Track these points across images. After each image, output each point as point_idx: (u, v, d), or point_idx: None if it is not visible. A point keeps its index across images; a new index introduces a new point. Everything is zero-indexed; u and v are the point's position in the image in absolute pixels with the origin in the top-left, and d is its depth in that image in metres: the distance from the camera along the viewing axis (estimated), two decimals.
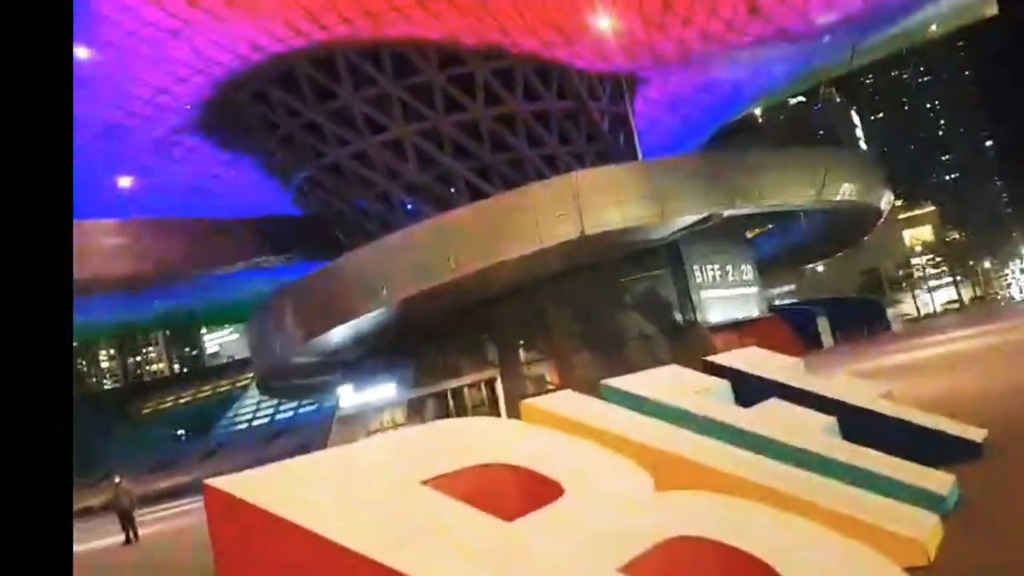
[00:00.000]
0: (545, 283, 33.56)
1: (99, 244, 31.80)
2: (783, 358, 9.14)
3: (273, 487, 3.43)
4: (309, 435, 44.03)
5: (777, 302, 54.33)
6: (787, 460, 5.68)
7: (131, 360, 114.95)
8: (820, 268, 61.62)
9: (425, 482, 3.77)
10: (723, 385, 7.56)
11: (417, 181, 33.96)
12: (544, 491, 4.21)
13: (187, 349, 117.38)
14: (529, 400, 5.86)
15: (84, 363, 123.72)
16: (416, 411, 34.77)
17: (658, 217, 31.64)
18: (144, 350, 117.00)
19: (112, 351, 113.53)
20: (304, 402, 48.77)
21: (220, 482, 3.30)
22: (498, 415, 32.88)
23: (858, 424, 7.09)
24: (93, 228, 34.03)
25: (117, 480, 20.77)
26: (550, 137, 34.53)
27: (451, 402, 34.21)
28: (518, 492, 4.31)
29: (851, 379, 10.23)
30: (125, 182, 38.46)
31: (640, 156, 36.95)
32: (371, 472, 3.83)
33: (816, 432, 6.54)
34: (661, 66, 34.90)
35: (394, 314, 32.55)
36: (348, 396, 35.42)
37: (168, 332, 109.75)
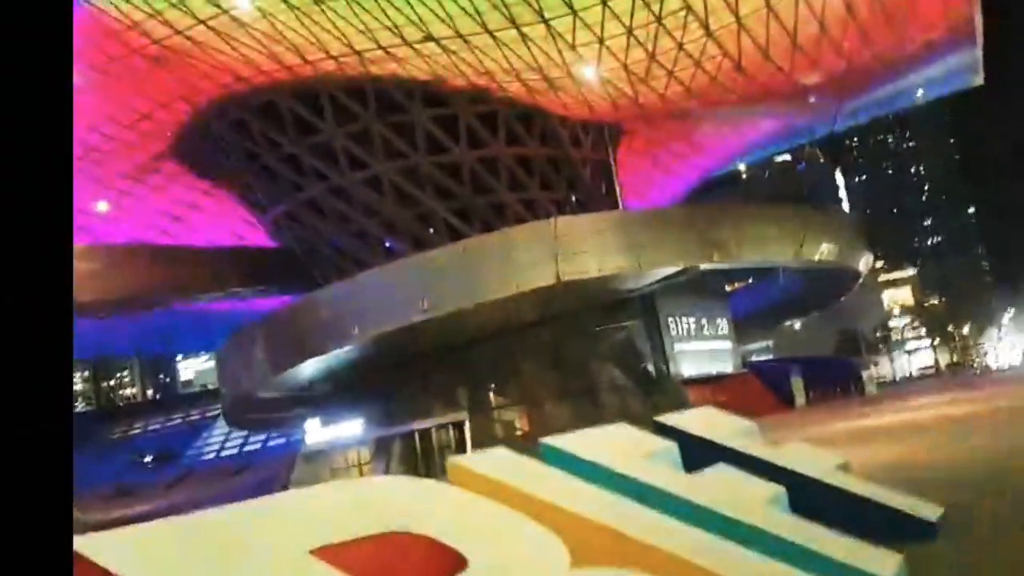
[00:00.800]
0: (519, 329, 33.36)
1: (78, 269, 31.23)
2: (738, 421, 8.85)
3: (140, 553, 3.15)
4: (276, 468, 43.18)
5: (753, 358, 54.24)
6: (727, 533, 5.38)
7: (104, 384, 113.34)
8: (797, 326, 61.72)
9: (314, 551, 3.45)
10: (671, 448, 7.25)
11: (395, 219, 33.80)
12: (446, 564, 3.90)
13: (161, 376, 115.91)
14: (456, 458, 5.53)
15: None
16: (382, 450, 34.20)
17: (635, 267, 31.54)
18: (118, 374, 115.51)
19: (87, 373, 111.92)
20: (273, 435, 47.96)
21: (82, 543, 3.00)
22: None
23: (808, 496, 6.79)
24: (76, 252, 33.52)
25: None
26: (531, 182, 34.53)
27: (418, 443, 33.69)
28: (418, 564, 4.00)
29: (805, 447, 9.89)
30: (102, 206, 38.12)
31: (621, 205, 36.99)
32: (255, 537, 3.50)
33: (760, 503, 6.24)
34: (645, 118, 35.11)
35: (365, 351, 32.20)
36: (314, 432, 34.84)
37: (142, 357, 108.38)
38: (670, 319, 37.44)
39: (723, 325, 41.51)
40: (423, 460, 33.17)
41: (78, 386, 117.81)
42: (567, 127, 34.75)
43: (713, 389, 37.32)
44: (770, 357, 58.26)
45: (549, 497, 5.06)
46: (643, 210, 37.63)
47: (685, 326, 38.92)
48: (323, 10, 27.71)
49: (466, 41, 28.91)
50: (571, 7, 27.26)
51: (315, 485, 4.24)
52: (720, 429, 8.09)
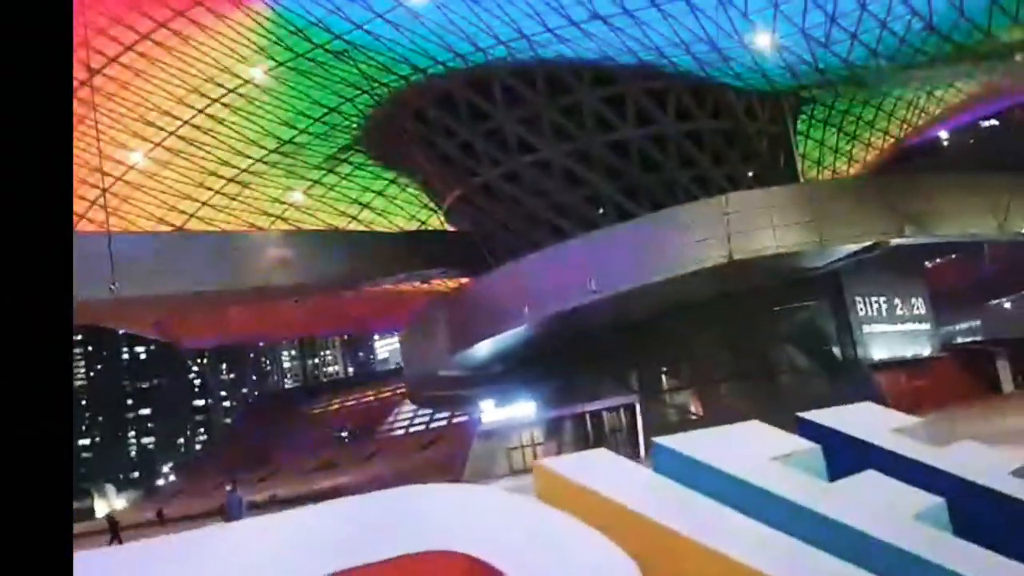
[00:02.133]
0: (692, 308, 32.60)
1: (265, 255, 33.85)
2: (900, 416, 7.69)
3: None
4: (459, 445, 44.88)
5: (957, 340, 50.19)
6: (868, 558, 4.19)
7: (310, 362, 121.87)
8: (1007, 305, 56.37)
9: None
10: (813, 450, 5.99)
11: (565, 201, 33.99)
12: None
13: (360, 354, 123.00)
14: (542, 461, 4.59)
15: (268, 363, 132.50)
16: (554, 431, 34.72)
17: (816, 244, 30.01)
18: (322, 353, 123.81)
19: (294, 352, 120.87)
20: (457, 413, 49.83)
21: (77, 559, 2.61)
22: (636, 442, 32.32)
23: (974, 509, 5.31)
24: (261, 239, 36.28)
25: (229, 488, 21.54)
26: (702, 158, 33.63)
27: (589, 425, 33.90)
28: None
29: (977, 447, 8.13)
30: (297, 196, 40.96)
31: (801, 179, 35.25)
32: (269, 558, 2.95)
33: (907, 518, 4.85)
34: (827, 85, 33.22)
35: (536, 333, 32.72)
36: (490, 411, 35.85)
37: (345, 337, 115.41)
38: (858, 298, 35.20)
39: (919, 305, 38.58)
40: (595, 442, 33.33)
41: (287, 364, 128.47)
42: (741, 99, 33.50)
43: (908, 374, 34.95)
44: (977, 338, 53.65)
45: (646, 511, 3.73)
46: (825, 181, 35.62)
47: (875, 306, 36.47)
48: None
49: (633, 16, 28.48)
50: None
51: (345, 498, 3.53)
52: (875, 427, 6.66)
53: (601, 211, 34.33)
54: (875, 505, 4.58)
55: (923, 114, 42.21)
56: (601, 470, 4.19)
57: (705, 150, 33.79)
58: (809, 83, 32.93)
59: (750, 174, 34.85)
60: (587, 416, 34.36)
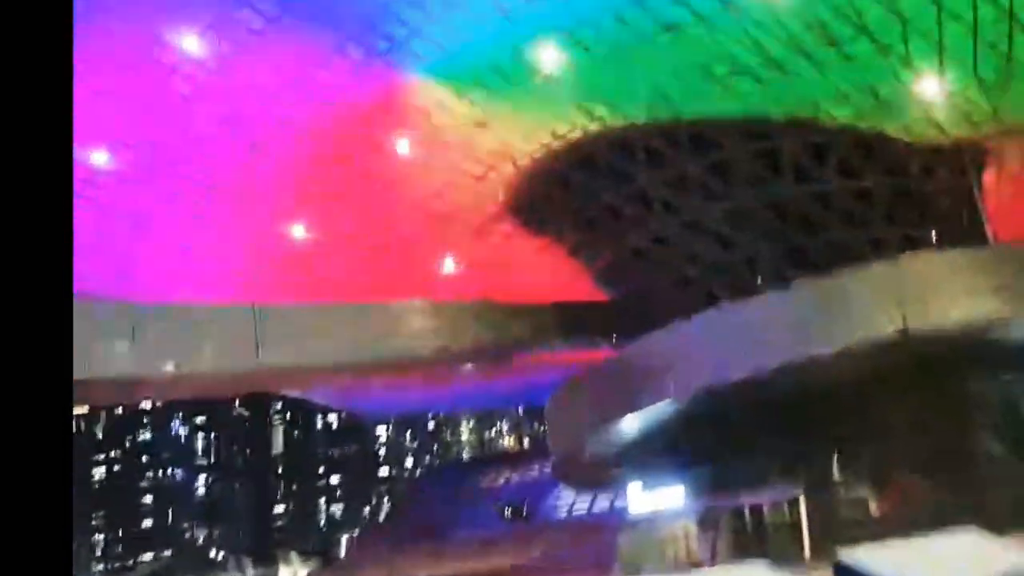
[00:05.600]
0: (867, 384, 29.12)
1: (413, 324, 33.76)
2: None
3: None
4: (614, 532, 42.42)
5: None
6: None
7: (487, 433, 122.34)
8: None
9: None
10: None
11: (718, 264, 31.73)
12: None
13: (536, 425, 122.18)
14: None
15: (448, 432, 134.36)
16: (709, 522, 31.71)
17: (1008, 313, 26.08)
18: (498, 423, 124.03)
19: (471, 423, 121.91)
20: (609, 496, 47.34)
21: None
22: (800, 541, 28.94)
23: None
24: (402, 309, 36.28)
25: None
26: (873, 216, 30.42)
27: (748, 518, 30.70)
28: None
29: None
30: (449, 265, 40.96)
31: (990, 239, 31.13)
32: None
33: None
34: (1012, 133, 29.32)
35: (686, 408, 30.31)
36: (636, 497, 33.37)
37: (520, 408, 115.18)
38: None
39: None
40: (755, 538, 30.14)
41: (464, 434, 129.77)
42: (914, 152, 30.18)
43: None
44: None
45: None
46: (1020, 243, 31.29)
47: None
48: (627, 57, 27.09)
49: (779, 68, 26.39)
50: (899, 15, 23.60)
51: None
52: None
53: (758, 276, 31.74)
54: None
55: None
56: None
57: (875, 209, 30.61)
58: (990, 132, 29.27)
59: (930, 234, 31.18)
60: (745, 508, 31.20)
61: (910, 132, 29.17)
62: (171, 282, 38.03)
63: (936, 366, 28.41)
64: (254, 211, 34.46)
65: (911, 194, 30.83)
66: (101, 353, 26.81)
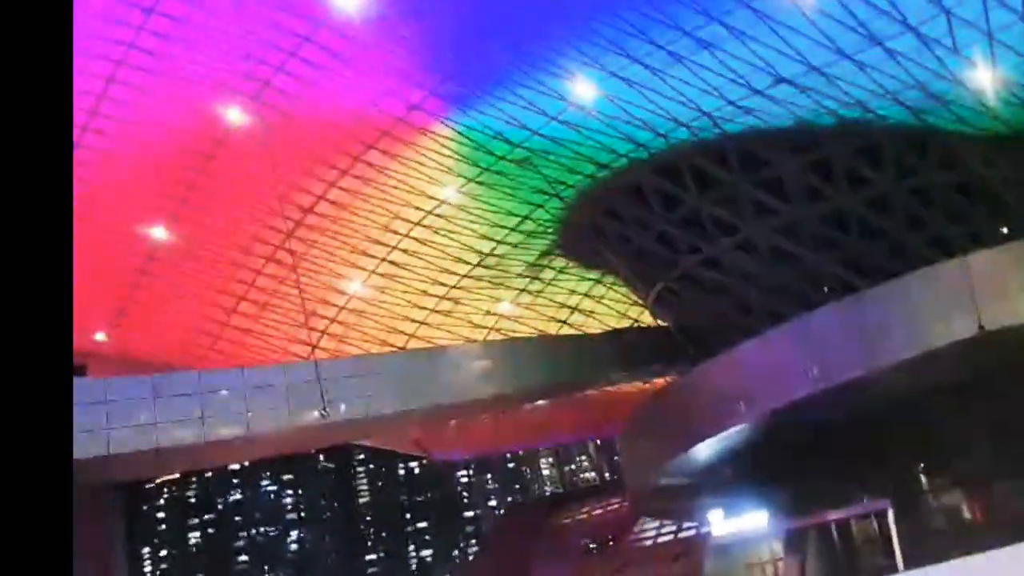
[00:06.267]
0: (946, 392, 27.79)
1: (466, 368, 33.63)
2: None
3: None
4: (701, 558, 41.26)
5: None
6: None
7: (567, 468, 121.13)
8: None
9: None
10: None
11: (777, 282, 30.81)
12: None
13: (616, 458, 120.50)
14: None
15: (527, 471, 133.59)
16: (795, 544, 30.52)
17: None
18: (578, 459, 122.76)
19: (551, 459, 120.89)
20: (693, 524, 46.16)
21: None
22: (891, 554, 27.62)
23: None
24: (458, 353, 36.17)
25: None
26: (935, 216, 29.21)
27: (835, 536, 29.45)
28: None
29: None
30: (504, 306, 40.86)
31: None
32: None
33: None
34: None
35: (760, 430, 29.40)
36: (719, 523, 32.39)
37: (598, 441, 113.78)
38: None
39: None
40: (844, 556, 28.88)
41: (545, 471, 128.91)
42: (976, 144, 28.95)
43: None
44: None
45: None
46: None
47: None
48: (663, 79, 26.75)
49: (822, 73, 25.68)
50: (941, 4, 22.76)
51: None
52: None
53: (824, 288, 30.74)
54: None
55: None
56: None
57: (937, 208, 29.40)
58: None
59: (1003, 230, 29.81)
60: (832, 526, 29.95)
61: (966, 124, 28.01)
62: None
63: (1017, 366, 26.98)
64: None
65: (972, 189, 29.55)
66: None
